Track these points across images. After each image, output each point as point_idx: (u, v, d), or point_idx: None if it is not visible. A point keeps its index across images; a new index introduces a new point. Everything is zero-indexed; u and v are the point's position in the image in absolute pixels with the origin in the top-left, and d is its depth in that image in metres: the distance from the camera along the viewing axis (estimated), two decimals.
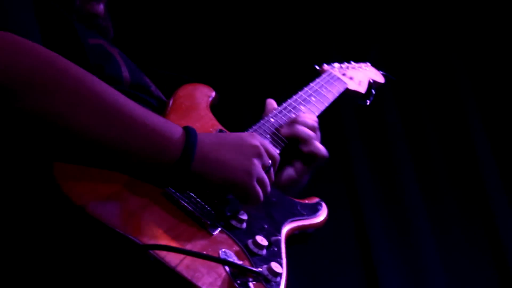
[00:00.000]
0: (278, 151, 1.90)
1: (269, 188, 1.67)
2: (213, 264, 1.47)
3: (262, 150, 1.66)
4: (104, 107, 1.50)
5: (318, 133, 1.98)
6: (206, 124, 1.90)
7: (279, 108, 2.03)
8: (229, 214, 1.63)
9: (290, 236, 1.75)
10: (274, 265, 1.54)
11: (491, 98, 4.48)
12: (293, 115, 2.03)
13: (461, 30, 4.62)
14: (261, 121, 1.97)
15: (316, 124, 1.99)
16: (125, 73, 1.85)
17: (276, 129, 1.97)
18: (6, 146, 1.56)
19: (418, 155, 4.18)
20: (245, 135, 1.69)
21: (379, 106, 4.10)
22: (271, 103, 2.06)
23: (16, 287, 1.54)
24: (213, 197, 1.63)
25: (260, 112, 2.04)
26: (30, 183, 1.56)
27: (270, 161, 1.69)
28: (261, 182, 1.64)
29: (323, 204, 1.92)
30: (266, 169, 1.67)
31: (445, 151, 4.26)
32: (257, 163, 1.63)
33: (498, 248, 4.00)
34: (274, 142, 1.93)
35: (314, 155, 1.96)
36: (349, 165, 3.91)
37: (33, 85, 1.45)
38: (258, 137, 1.71)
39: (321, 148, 1.96)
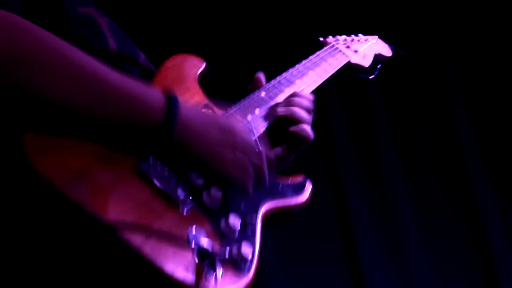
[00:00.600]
0: (266, 125, 1.85)
1: (261, 173, 1.60)
2: (180, 244, 1.42)
3: (246, 136, 1.59)
4: (81, 75, 1.45)
5: (312, 114, 1.92)
6: (192, 98, 1.85)
7: (272, 82, 1.97)
8: (203, 191, 1.57)
9: (268, 216, 1.70)
10: (245, 248, 1.50)
11: (474, 84, 4.48)
12: (287, 90, 1.97)
13: (447, 18, 4.63)
14: (251, 94, 1.90)
15: (312, 106, 1.92)
16: (112, 45, 1.80)
17: (268, 104, 1.91)
18: None
19: (403, 142, 4.17)
20: (229, 118, 1.67)
21: (363, 93, 4.09)
22: (260, 77, 1.98)
23: None
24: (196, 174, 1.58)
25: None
26: None
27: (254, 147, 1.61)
28: (242, 167, 1.57)
29: (307, 184, 1.86)
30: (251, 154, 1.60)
31: (429, 138, 4.25)
32: (236, 146, 1.57)
33: (482, 237, 4.00)
34: (263, 118, 1.87)
35: (302, 138, 1.89)
36: (333, 152, 3.89)
37: (5, 56, 1.41)
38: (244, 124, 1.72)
39: (307, 132, 1.88)
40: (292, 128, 1.87)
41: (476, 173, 4.14)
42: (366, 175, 3.96)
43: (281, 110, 1.88)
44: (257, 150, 1.60)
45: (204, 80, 1.91)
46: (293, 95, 1.92)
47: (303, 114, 1.88)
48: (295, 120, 1.87)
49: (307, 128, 1.88)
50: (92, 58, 1.50)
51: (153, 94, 1.50)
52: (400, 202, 3.95)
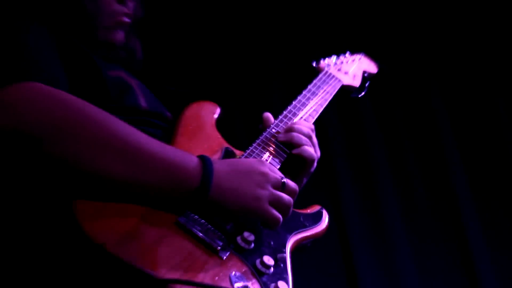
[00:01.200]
0: (282, 159, 1.93)
1: (289, 208, 1.72)
2: None
3: (271, 175, 1.71)
4: (127, 149, 1.59)
5: (314, 139, 2.01)
6: (213, 143, 1.95)
7: (280, 117, 2.06)
8: (236, 236, 1.67)
9: (296, 247, 1.81)
10: (281, 284, 1.62)
11: (463, 112, 4.47)
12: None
13: (436, 46, 4.56)
14: (264, 133, 1.99)
15: (310, 131, 2.01)
16: (143, 103, 1.93)
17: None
18: (31, 185, 1.64)
19: (395, 163, 4.19)
20: (254, 162, 1.75)
21: (360, 123, 4.15)
22: (268, 116, 2.08)
23: None
24: (230, 222, 1.68)
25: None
26: (52, 220, 1.61)
27: (282, 181, 1.72)
28: (276, 205, 1.70)
29: (324, 212, 1.96)
30: (280, 190, 1.71)
31: (421, 165, 4.27)
32: (267, 188, 1.69)
33: (466, 251, 4.08)
34: (278, 151, 1.95)
35: (305, 158, 1.98)
36: (334, 179, 3.95)
37: (60, 132, 1.55)
38: (268, 164, 1.77)
39: (309, 151, 1.97)
40: (295, 151, 1.95)
41: (463, 195, 4.18)
42: (364, 203, 4.00)
43: (281, 136, 1.97)
44: (282, 181, 1.72)
45: (221, 122, 2.02)
46: (292, 123, 2.01)
47: (302, 137, 1.97)
48: (296, 144, 1.95)
49: (308, 148, 1.96)
50: (136, 131, 1.64)
51: (191, 160, 1.64)
52: (394, 227, 4.01)
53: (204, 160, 1.66)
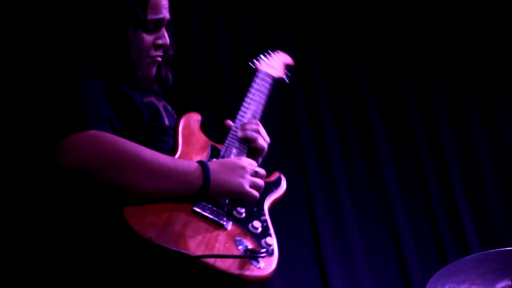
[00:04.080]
0: (245, 151, 2.17)
1: (262, 187, 2.00)
2: (234, 252, 1.81)
3: (248, 168, 1.98)
4: (153, 170, 1.85)
5: (262, 131, 2.23)
6: (202, 143, 2.16)
7: (236, 120, 2.24)
8: (233, 210, 1.94)
9: (269, 208, 2.07)
10: (268, 239, 1.90)
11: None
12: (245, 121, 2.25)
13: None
14: (228, 135, 2.20)
15: (258, 127, 2.22)
16: (166, 120, 2.11)
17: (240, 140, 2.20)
18: (89, 200, 1.89)
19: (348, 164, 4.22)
20: (236, 160, 2.00)
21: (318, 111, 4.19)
22: (229, 123, 2.25)
23: None
24: (227, 203, 1.94)
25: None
26: (108, 224, 1.84)
27: (255, 170, 1.99)
28: (254, 186, 1.97)
29: (282, 177, 2.19)
30: (254, 176, 1.98)
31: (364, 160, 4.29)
32: (246, 177, 1.97)
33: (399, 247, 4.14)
34: (242, 147, 2.18)
35: (259, 149, 2.21)
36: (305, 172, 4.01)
37: (106, 165, 1.78)
38: (246, 159, 2.03)
39: (260, 142, 2.19)
40: (252, 144, 2.18)
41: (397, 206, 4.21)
42: (329, 199, 4.01)
43: (239, 133, 2.18)
44: (255, 170, 2.01)
45: (204, 125, 2.23)
46: (243, 124, 2.22)
47: (253, 133, 2.18)
48: (250, 139, 2.18)
49: (260, 140, 2.19)
50: (158, 154, 1.88)
51: (194, 169, 1.91)
52: (352, 227, 4.02)
53: (203, 166, 1.91)
